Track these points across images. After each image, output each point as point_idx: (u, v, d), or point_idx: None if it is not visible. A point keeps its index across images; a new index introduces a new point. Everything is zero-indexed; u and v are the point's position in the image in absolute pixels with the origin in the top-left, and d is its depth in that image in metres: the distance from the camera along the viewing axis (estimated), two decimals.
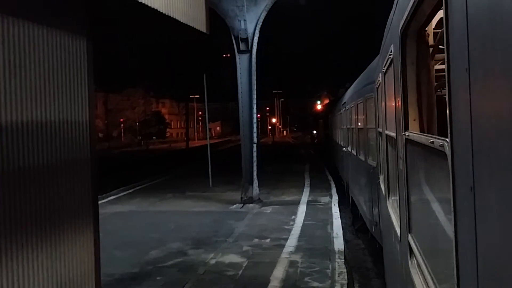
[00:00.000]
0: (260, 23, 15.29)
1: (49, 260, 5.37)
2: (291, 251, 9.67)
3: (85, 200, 6.03)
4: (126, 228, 12.33)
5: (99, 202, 6.80)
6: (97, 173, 6.30)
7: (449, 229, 1.88)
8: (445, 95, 1.85)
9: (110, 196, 18.14)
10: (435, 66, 3.61)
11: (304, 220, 12.78)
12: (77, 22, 5.95)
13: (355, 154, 12.70)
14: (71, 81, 5.78)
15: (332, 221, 12.43)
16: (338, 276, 8.02)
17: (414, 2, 2.45)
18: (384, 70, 4.92)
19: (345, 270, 8.36)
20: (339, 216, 13.14)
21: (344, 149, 17.09)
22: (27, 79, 5.05)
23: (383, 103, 5.38)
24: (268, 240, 10.71)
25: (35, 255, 5.16)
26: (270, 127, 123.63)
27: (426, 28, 3.08)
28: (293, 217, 13.24)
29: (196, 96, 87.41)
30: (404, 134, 3.16)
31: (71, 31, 5.77)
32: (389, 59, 4.05)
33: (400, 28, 3.09)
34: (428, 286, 2.47)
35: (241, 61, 15.63)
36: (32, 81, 5.13)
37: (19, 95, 4.95)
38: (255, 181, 15.78)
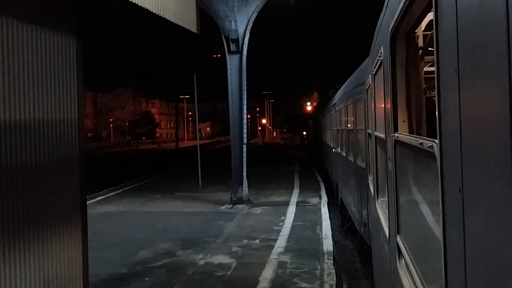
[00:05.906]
0: (251, 24, 15.28)
1: (36, 260, 5.32)
2: (280, 252, 9.68)
3: (73, 200, 5.98)
4: (114, 228, 12.26)
5: (88, 202, 6.75)
6: (86, 173, 6.25)
7: (438, 230, 1.89)
8: (434, 96, 1.86)
9: (99, 196, 18.02)
10: (424, 68, 3.63)
11: (293, 221, 12.80)
12: (66, 21, 5.90)
13: (345, 155, 12.74)
14: (60, 80, 5.74)
15: (321, 222, 12.46)
16: (327, 277, 8.05)
17: (404, 4, 2.46)
18: (374, 72, 4.95)
19: (333, 271, 8.38)
20: (328, 217, 13.18)
21: (333, 150, 17.14)
22: (15, 78, 5.00)
23: (373, 105, 5.40)
24: (257, 240, 10.70)
25: (22, 254, 5.11)
26: (260, 128, 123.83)
27: (416, 30, 3.10)
28: (282, 218, 13.25)
29: (186, 96, 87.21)
30: (394, 136, 3.18)
31: (60, 30, 5.72)
32: (379, 61, 4.07)
33: (390, 30, 3.10)
34: (416, 287, 2.48)
35: (232, 62, 15.60)
36: (20, 80, 5.08)
37: (7, 94, 4.90)
38: (245, 182, 15.76)
